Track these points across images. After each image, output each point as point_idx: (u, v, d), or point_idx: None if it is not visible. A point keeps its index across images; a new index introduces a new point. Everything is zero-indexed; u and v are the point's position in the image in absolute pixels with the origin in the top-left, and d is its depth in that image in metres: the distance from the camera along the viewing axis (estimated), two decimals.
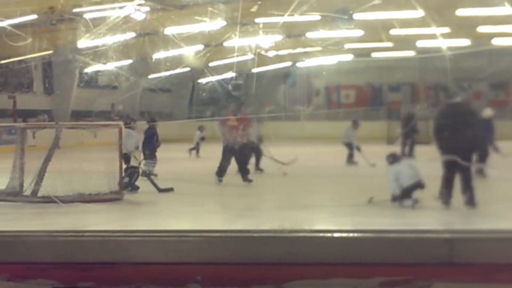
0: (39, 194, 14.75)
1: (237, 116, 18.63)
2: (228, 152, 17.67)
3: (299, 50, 33.67)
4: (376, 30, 29.65)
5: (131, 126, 17.53)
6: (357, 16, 24.98)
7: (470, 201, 12.75)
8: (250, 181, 17.47)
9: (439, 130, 13.32)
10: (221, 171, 17.61)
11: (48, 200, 14.06)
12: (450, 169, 12.91)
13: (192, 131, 27.28)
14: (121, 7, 22.63)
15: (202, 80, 36.06)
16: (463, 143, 12.69)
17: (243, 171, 17.71)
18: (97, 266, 2.31)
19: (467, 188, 12.83)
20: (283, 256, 2.38)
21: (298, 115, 34.79)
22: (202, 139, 26.32)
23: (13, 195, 14.77)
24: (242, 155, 17.97)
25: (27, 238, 2.35)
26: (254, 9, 23.73)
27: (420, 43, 33.61)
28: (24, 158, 15.54)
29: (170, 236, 2.41)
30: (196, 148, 26.46)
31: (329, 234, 2.52)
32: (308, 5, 21.30)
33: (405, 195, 13.49)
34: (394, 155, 14.81)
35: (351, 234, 2.51)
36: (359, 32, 30.84)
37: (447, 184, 13.03)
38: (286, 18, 26.06)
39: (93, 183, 15.89)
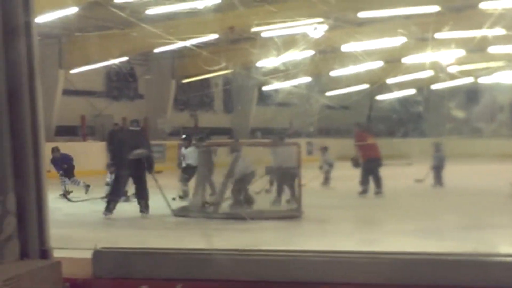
0: (221, 210, 15.03)
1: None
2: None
3: (482, 65, 32.80)
4: None
5: None
6: None
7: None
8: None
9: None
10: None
11: (229, 216, 14.29)
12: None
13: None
14: (299, 26, 22.87)
15: (380, 97, 35.80)
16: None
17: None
18: (287, 285, 2.30)
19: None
20: (477, 281, 2.26)
21: (481, 132, 33.88)
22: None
23: (196, 211, 15.13)
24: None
25: (220, 257, 2.37)
26: (446, 28, 23.30)
27: None
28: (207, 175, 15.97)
29: (360, 257, 2.36)
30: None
31: None
32: (491, 21, 20.75)
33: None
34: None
35: None
36: None
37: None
38: (466, 33, 25.48)
39: (272, 200, 16.11)
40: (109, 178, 17.02)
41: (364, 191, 18.45)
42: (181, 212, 14.95)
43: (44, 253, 2.37)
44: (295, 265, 2.34)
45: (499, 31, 24.27)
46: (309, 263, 2.35)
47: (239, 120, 37.73)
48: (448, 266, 2.28)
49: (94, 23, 25.99)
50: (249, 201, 15.62)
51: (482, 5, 22.57)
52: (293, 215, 14.78)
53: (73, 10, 21.93)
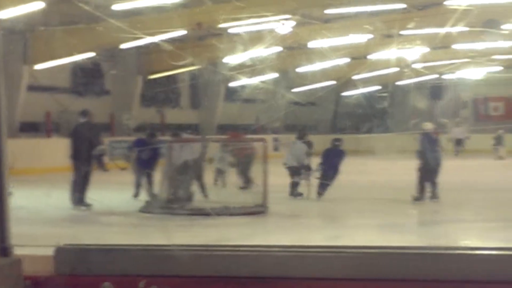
0: (186, 207, 15.01)
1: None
2: None
3: (446, 62, 33.05)
4: None
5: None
6: (507, 26, 24.30)
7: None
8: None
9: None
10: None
11: (194, 212, 14.30)
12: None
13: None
14: (266, 22, 22.87)
15: (347, 93, 35.95)
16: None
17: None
18: (253, 281, 2.30)
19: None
20: (437, 273, 2.29)
21: (445, 128, 34.09)
22: None
23: (160, 207, 15.08)
24: None
25: (183, 252, 2.37)
26: (411, 25, 23.40)
27: None
28: (171, 172, 15.92)
29: (327, 252, 2.37)
30: None
31: (486, 252, 2.41)
32: (455, 19, 20.90)
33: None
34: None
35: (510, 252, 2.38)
36: (509, 43, 29.98)
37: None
38: (431, 30, 25.64)
39: (238, 196, 16.12)
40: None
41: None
42: (146, 209, 14.93)
43: (4, 251, 2.35)
44: (259, 260, 2.35)
45: (463, 28, 24.49)
46: (274, 258, 2.36)
47: (206, 116, 37.62)
48: (413, 259, 2.31)
49: (59, 18, 25.74)
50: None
51: (446, 3, 22.72)
52: (259, 211, 14.82)
53: (39, 5, 21.70)
